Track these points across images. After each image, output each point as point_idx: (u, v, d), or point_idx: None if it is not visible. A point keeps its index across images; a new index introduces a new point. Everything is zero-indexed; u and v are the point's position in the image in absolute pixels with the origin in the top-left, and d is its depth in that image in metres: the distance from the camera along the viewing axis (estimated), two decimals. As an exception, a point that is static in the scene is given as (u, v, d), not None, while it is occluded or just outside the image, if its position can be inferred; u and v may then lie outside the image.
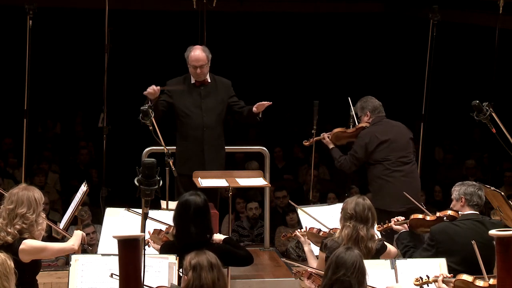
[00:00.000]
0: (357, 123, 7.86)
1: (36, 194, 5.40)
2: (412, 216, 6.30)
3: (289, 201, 7.04)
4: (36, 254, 5.34)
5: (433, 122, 8.20)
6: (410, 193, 7.19)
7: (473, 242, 5.10)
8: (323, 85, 14.94)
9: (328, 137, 7.81)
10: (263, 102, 7.35)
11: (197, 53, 7.35)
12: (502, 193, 5.95)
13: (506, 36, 10.39)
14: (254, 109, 7.37)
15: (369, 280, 4.82)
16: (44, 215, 5.70)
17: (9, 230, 5.27)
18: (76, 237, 5.60)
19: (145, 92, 7.24)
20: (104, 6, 8.50)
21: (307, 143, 7.92)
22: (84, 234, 5.74)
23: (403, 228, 6.25)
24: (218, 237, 5.82)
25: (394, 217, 6.40)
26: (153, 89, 7.22)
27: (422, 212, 6.35)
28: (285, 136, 13.91)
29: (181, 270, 4.75)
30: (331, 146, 7.82)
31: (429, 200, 10.78)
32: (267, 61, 15.50)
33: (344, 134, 7.82)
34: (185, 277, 4.64)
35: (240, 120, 7.87)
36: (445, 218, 6.12)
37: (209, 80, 7.49)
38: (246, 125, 7.65)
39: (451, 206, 6.14)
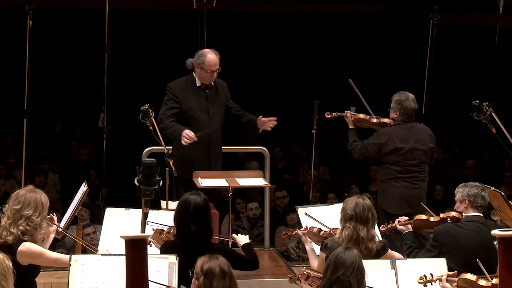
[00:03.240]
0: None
1: (43, 198, 5.40)
2: (416, 217, 6.29)
3: (299, 210, 6.97)
4: (33, 259, 5.32)
5: (433, 122, 8.18)
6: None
7: (478, 260, 5.08)
8: (323, 85, 14.94)
9: (351, 116, 7.75)
10: (268, 120, 7.36)
11: (214, 57, 7.28)
12: (502, 193, 5.95)
13: (506, 36, 10.38)
14: (258, 126, 7.40)
15: (369, 280, 4.81)
16: (55, 218, 5.70)
17: (12, 230, 5.27)
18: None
19: (183, 143, 7.09)
20: (104, 6, 8.50)
21: (329, 116, 7.86)
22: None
23: (407, 228, 6.25)
24: (240, 240, 5.86)
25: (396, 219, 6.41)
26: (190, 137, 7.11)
27: (426, 212, 6.34)
28: (285, 136, 13.91)
29: (190, 271, 4.75)
30: (350, 126, 7.76)
31: (429, 200, 10.78)
32: (267, 61, 15.51)
33: (367, 121, 7.76)
34: (196, 281, 4.64)
35: (236, 124, 7.86)
36: (448, 219, 6.10)
37: (212, 83, 7.47)
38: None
39: (455, 207, 6.12)
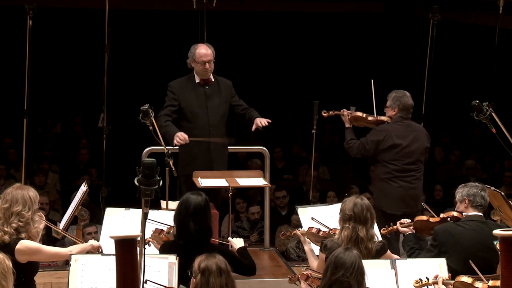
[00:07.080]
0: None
1: (31, 192, 5.40)
2: (417, 218, 6.29)
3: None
4: (31, 255, 5.32)
5: (433, 122, 8.20)
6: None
7: (470, 261, 5.09)
8: (323, 85, 14.94)
9: (348, 115, 7.74)
10: (261, 121, 7.37)
11: (204, 48, 7.41)
12: (502, 193, 5.95)
13: (506, 36, 10.39)
14: (254, 127, 7.42)
15: (369, 280, 4.81)
16: (43, 215, 5.69)
17: (6, 229, 5.27)
18: (80, 247, 5.57)
19: (175, 143, 7.14)
20: (104, 6, 8.51)
21: (326, 114, 7.84)
22: (99, 244, 5.69)
23: (409, 230, 6.25)
24: (234, 244, 5.85)
25: (393, 220, 6.40)
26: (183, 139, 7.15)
27: (426, 213, 6.34)
28: (285, 136, 13.91)
29: (188, 271, 4.76)
30: (347, 125, 7.74)
31: (429, 200, 10.79)
32: (267, 61, 15.51)
33: (364, 119, 7.73)
34: (194, 279, 4.65)
35: (241, 121, 7.86)
36: (449, 219, 6.11)
37: (213, 80, 7.52)
38: (246, 125, 7.79)
39: (455, 208, 6.12)
